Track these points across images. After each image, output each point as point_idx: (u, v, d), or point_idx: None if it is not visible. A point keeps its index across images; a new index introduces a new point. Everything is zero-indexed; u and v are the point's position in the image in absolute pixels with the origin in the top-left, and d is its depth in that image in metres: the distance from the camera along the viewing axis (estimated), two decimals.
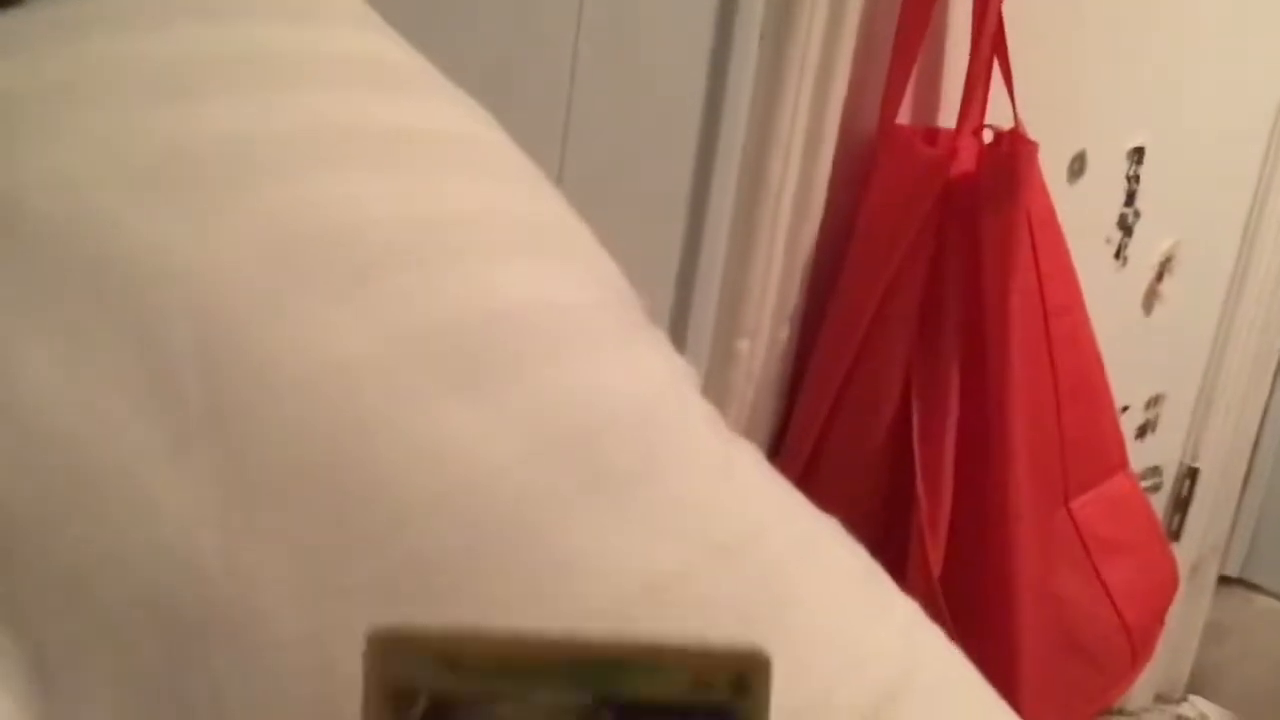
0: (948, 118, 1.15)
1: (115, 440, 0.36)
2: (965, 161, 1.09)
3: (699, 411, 0.51)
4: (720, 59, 0.95)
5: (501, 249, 0.49)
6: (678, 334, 1.01)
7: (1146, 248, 1.52)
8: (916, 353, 1.10)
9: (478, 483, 0.41)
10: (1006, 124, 1.10)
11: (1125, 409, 1.57)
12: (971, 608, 1.12)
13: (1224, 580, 1.90)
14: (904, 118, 1.12)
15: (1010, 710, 0.54)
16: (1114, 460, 1.25)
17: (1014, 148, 1.07)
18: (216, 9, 0.53)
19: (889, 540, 1.11)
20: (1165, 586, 1.31)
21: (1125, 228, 1.48)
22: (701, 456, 0.47)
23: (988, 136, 1.10)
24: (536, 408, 0.43)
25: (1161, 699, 1.85)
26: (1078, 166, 1.37)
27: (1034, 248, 1.11)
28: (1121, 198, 1.46)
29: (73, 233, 0.41)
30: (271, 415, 0.39)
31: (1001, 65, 1.11)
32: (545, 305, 0.47)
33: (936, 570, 1.09)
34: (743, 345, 1.04)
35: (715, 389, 1.05)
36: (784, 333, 1.09)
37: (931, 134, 1.13)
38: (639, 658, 0.29)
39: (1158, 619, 1.30)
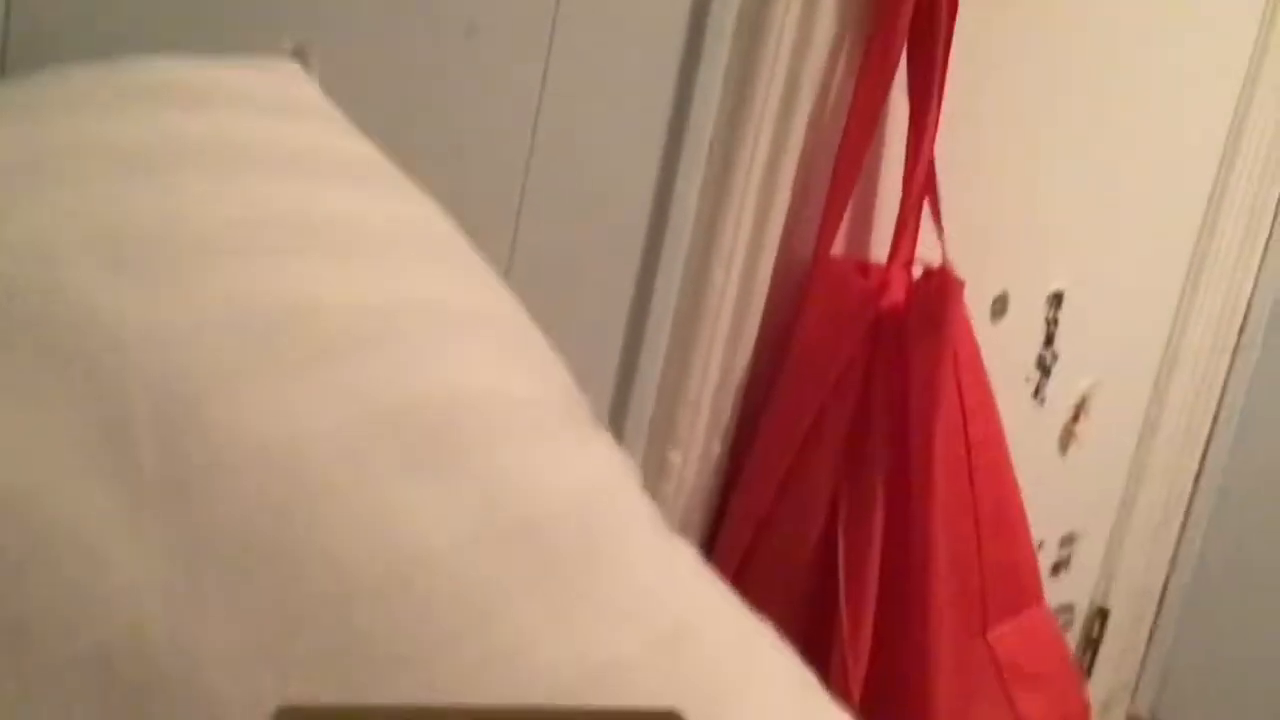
0: (880, 251, 1.20)
1: (70, 499, 0.36)
2: (895, 294, 1.13)
3: (641, 509, 0.52)
4: (669, 169, 0.99)
5: (455, 337, 0.50)
6: (612, 439, 1.02)
7: (1063, 389, 1.58)
8: (844, 476, 1.12)
9: (426, 562, 0.41)
10: (936, 260, 1.15)
11: (1040, 545, 1.60)
12: None
13: None
14: (839, 248, 1.17)
15: None
16: (1031, 592, 1.28)
17: (942, 283, 1.12)
18: (179, 95, 0.55)
19: (810, 663, 1.12)
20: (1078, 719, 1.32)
21: (1044, 368, 1.54)
22: (642, 552, 0.48)
23: (917, 271, 1.15)
24: (486, 493, 0.44)
25: None
26: (1000, 307, 1.43)
27: (958, 381, 1.15)
28: (1041, 339, 1.52)
29: (35, 297, 0.41)
30: (225, 486, 0.39)
31: (931, 204, 1.16)
32: (497, 395, 0.49)
33: (857, 695, 1.09)
34: (675, 456, 1.06)
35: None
36: (716, 447, 1.11)
37: (864, 266, 1.18)
38: None
39: None
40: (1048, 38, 1.34)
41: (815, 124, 1.08)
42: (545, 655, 0.42)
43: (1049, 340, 1.52)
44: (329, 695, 0.30)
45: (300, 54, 0.69)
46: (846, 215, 1.16)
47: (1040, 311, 1.50)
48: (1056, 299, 1.51)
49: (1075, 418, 1.62)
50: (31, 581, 0.35)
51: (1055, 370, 1.55)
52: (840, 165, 1.13)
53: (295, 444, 0.42)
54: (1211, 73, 1.62)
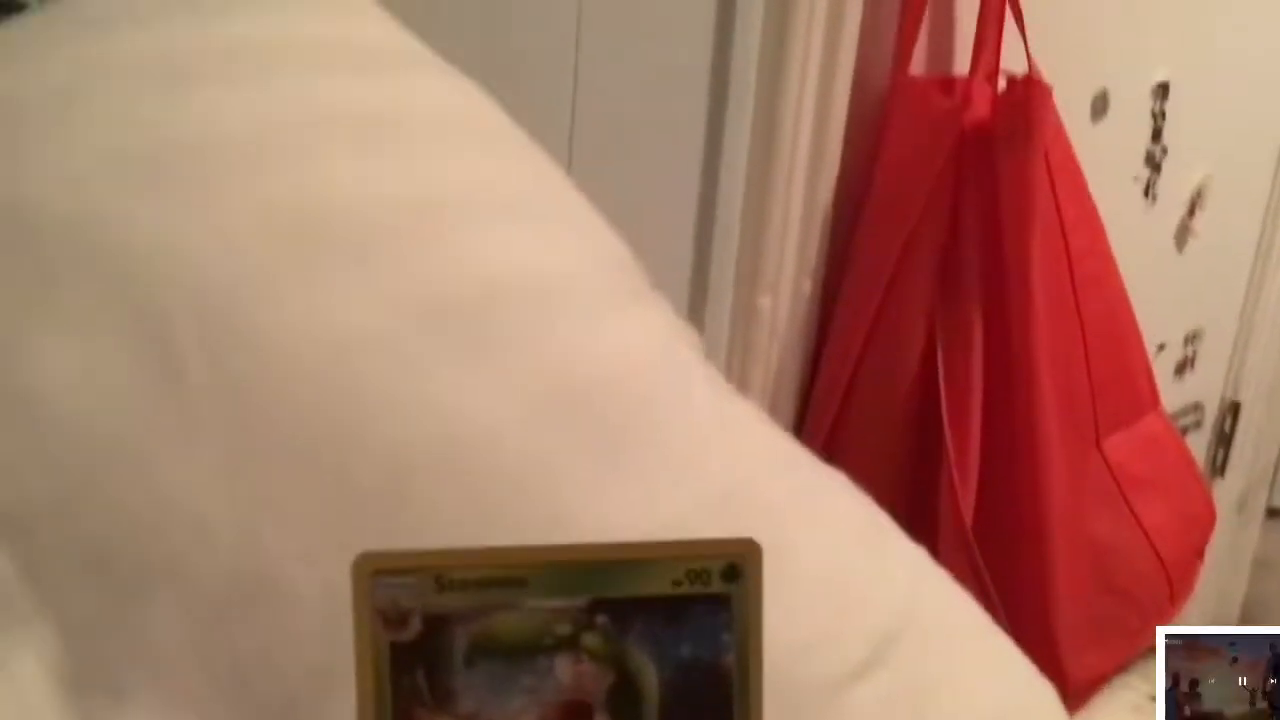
0: (961, 65, 1.15)
1: (125, 419, 0.38)
2: (980, 109, 1.09)
3: (695, 371, 0.53)
4: (727, 13, 0.96)
5: (496, 221, 0.51)
6: (698, 293, 1.02)
7: (1176, 184, 1.51)
8: (939, 303, 1.10)
9: (478, 442, 0.43)
10: (1021, 69, 1.10)
11: (1162, 347, 1.56)
12: (1006, 553, 1.12)
13: (1272, 513, 1.89)
14: (917, 67, 1.12)
15: (1016, 650, 0.56)
16: (1145, 400, 1.25)
17: (1028, 93, 1.07)
18: (206, 2, 0.55)
19: (919, 490, 1.12)
20: (1202, 523, 1.31)
21: (1153, 165, 1.47)
22: (695, 413, 0.49)
23: (1002, 83, 1.10)
24: (533, 371, 0.45)
25: None
26: (1100, 105, 1.36)
27: (1054, 192, 1.11)
28: (1148, 135, 1.45)
29: (79, 227, 0.43)
30: (274, 389, 0.41)
31: (1014, 9, 1.10)
32: (541, 273, 0.49)
33: (968, 517, 1.10)
34: (764, 302, 1.06)
35: (738, 347, 1.06)
36: (806, 287, 1.10)
37: (946, 83, 1.13)
38: (629, 558, 0.30)
39: (1196, 556, 1.30)
40: None
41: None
42: (600, 519, 0.43)
43: (1156, 135, 1.45)
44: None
45: None
46: (923, 29, 1.11)
47: (1145, 105, 1.43)
48: (1162, 90, 1.43)
49: (1191, 212, 1.55)
50: (98, 504, 0.37)
51: (1166, 165, 1.48)
52: None
53: (340, 343, 0.44)
54: None
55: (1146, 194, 1.48)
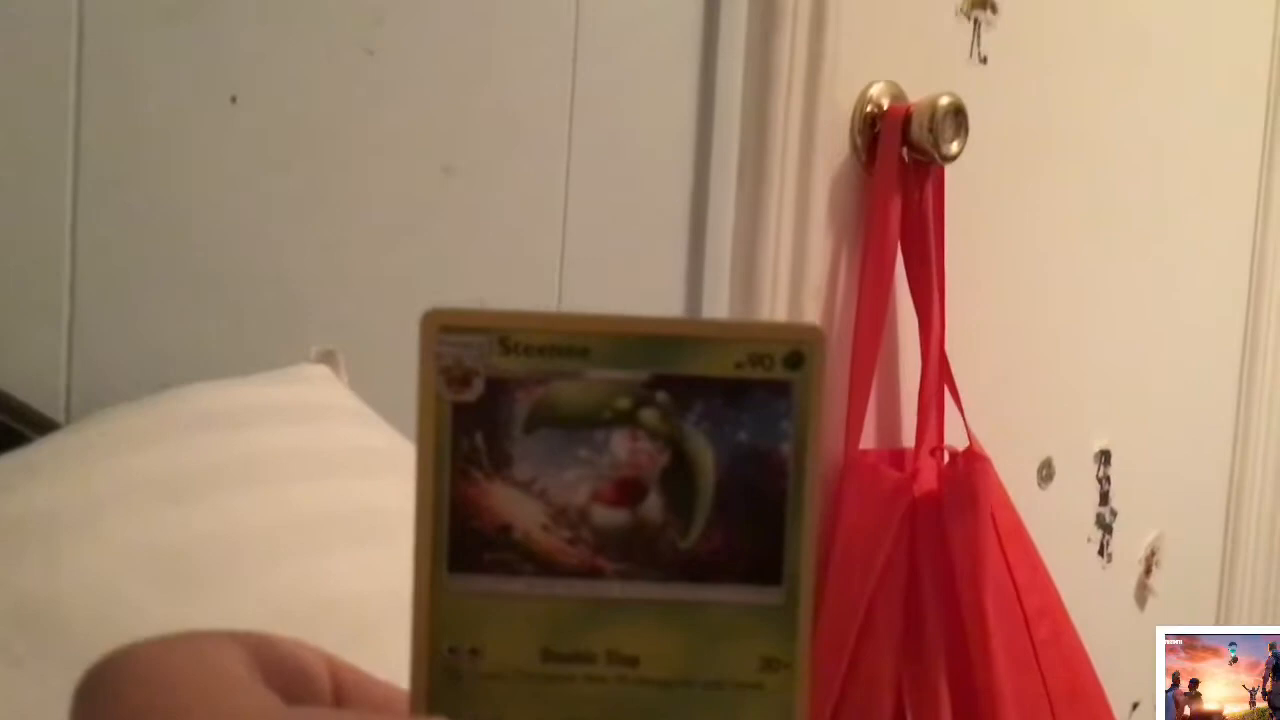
0: (910, 436, 1.24)
1: None
2: (927, 481, 1.16)
3: None
4: None
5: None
6: None
7: (1130, 544, 1.57)
8: (905, 665, 1.14)
9: None
10: (963, 442, 1.18)
11: (1136, 705, 1.57)
12: None
13: None
14: (867, 441, 1.21)
15: None
16: None
17: (969, 465, 1.15)
18: (217, 420, 0.63)
19: None
20: None
21: (1104, 526, 1.54)
22: None
23: (945, 457, 1.19)
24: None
25: None
26: (1046, 472, 1.45)
27: (1005, 557, 1.17)
28: (1095, 497, 1.53)
29: (104, 622, 0.48)
30: None
31: (950, 389, 1.20)
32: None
33: None
34: None
35: None
36: None
37: (895, 456, 1.22)
38: (693, 335, 0.29)
39: None
40: (1049, 187, 1.40)
41: (826, 330, 1.15)
42: None
43: (1104, 498, 1.53)
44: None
45: (327, 357, 0.77)
46: (871, 408, 1.21)
47: (1089, 471, 1.52)
48: (1104, 456, 1.53)
49: (1148, 571, 1.61)
50: None
51: (1117, 526, 1.55)
52: (856, 365, 1.18)
53: None
54: (1224, 201, 1.66)
55: (1101, 554, 1.54)
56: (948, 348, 1.20)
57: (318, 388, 0.73)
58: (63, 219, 0.73)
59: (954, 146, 1.16)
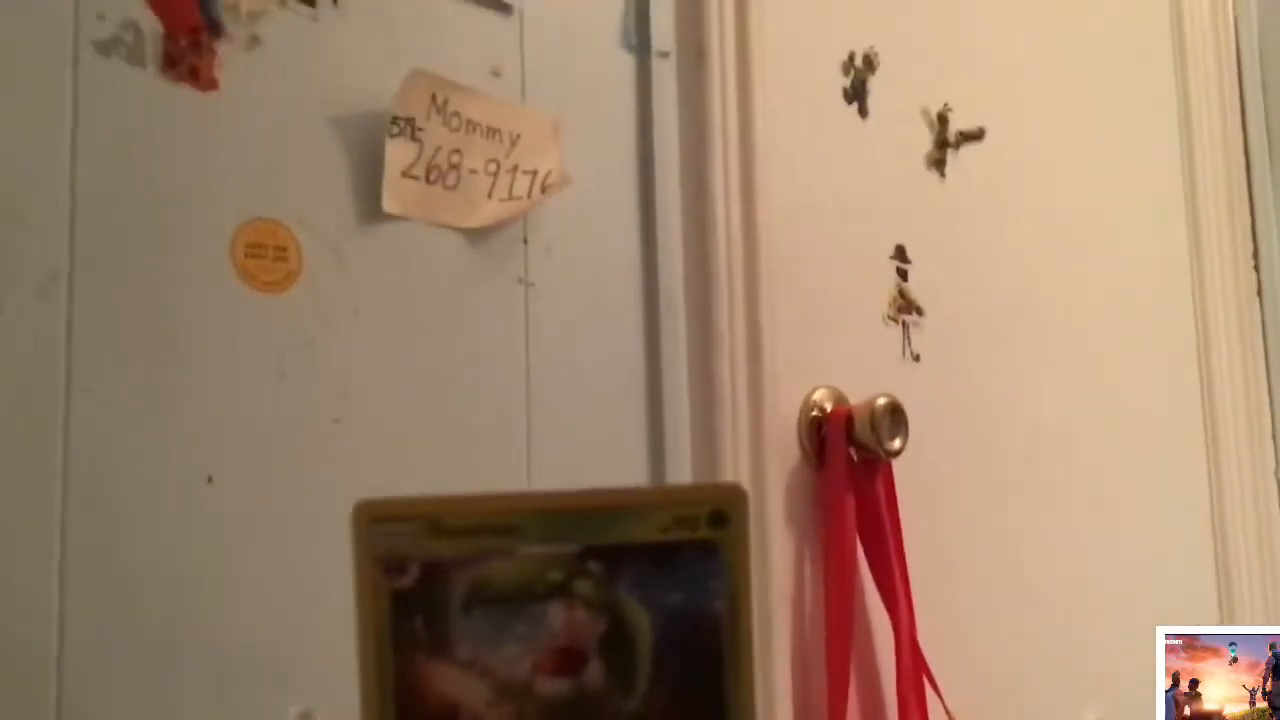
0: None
1: None
2: None
3: None
4: None
5: None
6: None
7: None
8: None
9: None
10: None
11: None
12: None
13: None
14: None
15: None
16: None
17: None
18: None
19: None
20: None
21: None
22: None
23: None
24: None
25: None
26: None
27: None
28: None
29: None
30: None
31: (929, 679, 1.21)
32: None
33: None
34: None
35: None
36: None
37: None
38: (618, 504, 0.29)
39: None
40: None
41: (797, 630, 1.17)
42: None
43: None
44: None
45: (306, 718, 0.79)
46: (853, 705, 1.21)
47: None
48: None
49: None
50: None
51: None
52: (831, 663, 1.19)
53: None
54: (1170, 462, 1.71)
55: None
56: (921, 637, 1.22)
57: None
58: (50, 605, 0.77)
59: (896, 443, 1.22)
